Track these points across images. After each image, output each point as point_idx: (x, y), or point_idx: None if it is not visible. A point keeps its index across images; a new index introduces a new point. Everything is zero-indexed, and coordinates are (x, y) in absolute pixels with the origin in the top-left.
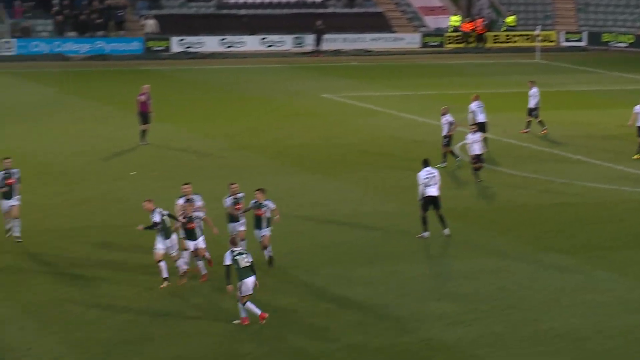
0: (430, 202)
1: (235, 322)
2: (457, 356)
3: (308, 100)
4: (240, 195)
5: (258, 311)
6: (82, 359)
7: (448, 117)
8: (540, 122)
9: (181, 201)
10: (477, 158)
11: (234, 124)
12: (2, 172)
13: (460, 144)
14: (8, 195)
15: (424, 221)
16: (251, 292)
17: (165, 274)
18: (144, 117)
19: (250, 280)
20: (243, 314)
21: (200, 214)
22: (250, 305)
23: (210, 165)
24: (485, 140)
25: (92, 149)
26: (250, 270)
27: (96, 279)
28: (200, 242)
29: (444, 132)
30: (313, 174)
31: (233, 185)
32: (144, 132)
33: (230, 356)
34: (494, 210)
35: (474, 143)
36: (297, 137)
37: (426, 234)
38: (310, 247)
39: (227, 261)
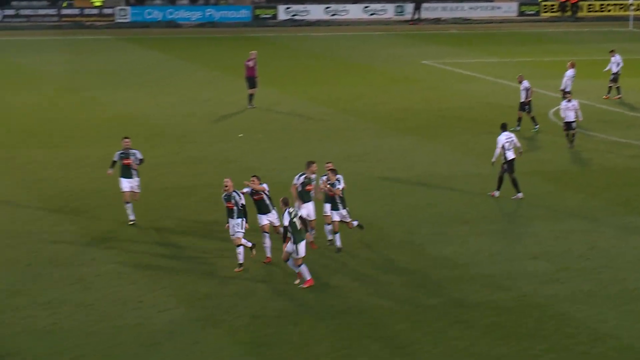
0: (508, 165)
1: (299, 283)
2: (550, 313)
3: (408, 67)
4: (313, 176)
5: (308, 276)
6: (191, 311)
7: (525, 84)
8: (617, 88)
9: (324, 178)
10: (569, 125)
11: (336, 89)
12: (119, 152)
13: (555, 109)
14: (127, 174)
15: (500, 181)
16: (304, 255)
17: (241, 260)
18: (251, 82)
19: (304, 243)
20: (308, 276)
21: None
22: (304, 268)
23: (313, 128)
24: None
25: (202, 112)
26: (304, 232)
27: (204, 237)
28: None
29: (522, 99)
30: (411, 137)
31: (313, 165)
32: (251, 96)
33: (326, 308)
34: (585, 174)
35: (567, 110)
36: (397, 101)
37: (497, 193)
38: (408, 207)
39: (286, 222)
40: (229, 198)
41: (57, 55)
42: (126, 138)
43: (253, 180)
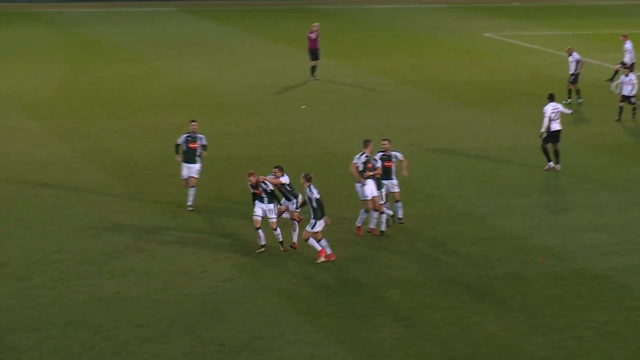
0: (554, 136)
1: (321, 260)
2: (611, 285)
3: (470, 39)
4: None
5: (318, 247)
6: (253, 281)
7: (575, 56)
8: None
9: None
10: (626, 99)
11: (398, 61)
12: (185, 135)
13: (615, 83)
14: (191, 159)
15: (546, 153)
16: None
17: (262, 242)
18: (314, 54)
19: (325, 219)
20: (329, 250)
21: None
22: (324, 242)
23: (375, 99)
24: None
25: (266, 84)
26: (323, 211)
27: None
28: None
29: (571, 71)
30: (473, 109)
31: (384, 142)
32: (313, 68)
33: (396, 280)
34: None
35: (624, 84)
36: (459, 73)
37: (551, 163)
38: (470, 178)
39: (313, 195)
40: (256, 186)
41: (124, 27)
42: (193, 121)
43: (275, 172)
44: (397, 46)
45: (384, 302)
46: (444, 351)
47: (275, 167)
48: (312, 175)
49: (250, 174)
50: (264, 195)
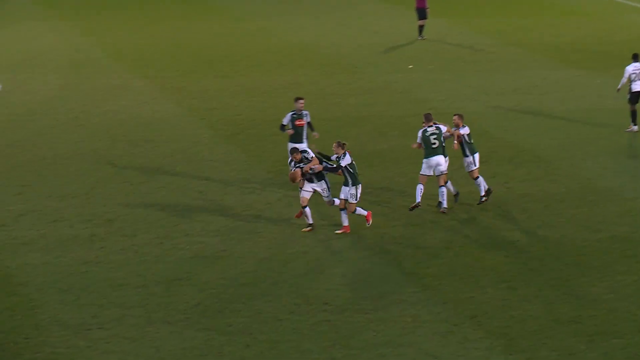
0: (632, 96)
1: (339, 231)
2: None
3: (577, 0)
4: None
5: (364, 212)
6: (357, 240)
7: None
8: None
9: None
10: None
11: (505, 21)
12: (290, 113)
13: None
14: (298, 139)
15: (633, 115)
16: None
17: (310, 220)
18: (422, 13)
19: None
20: (346, 222)
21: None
22: (360, 209)
23: (482, 59)
24: None
25: (372, 42)
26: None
27: (370, 167)
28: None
29: None
30: (580, 70)
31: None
32: (421, 27)
33: (497, 239)
34: None
35: None
36: (566, 34)
37: (635, 127)
38: (576, 140)
39: (344, 163)
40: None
41: None
42: (300, 99)
43: (333, 148)
44: (504, 6)
45: (488, 264)
46: (547, 313)
47: (338, 143)
48: (346, 143)
49: (295, 154)
50: (347, 177)
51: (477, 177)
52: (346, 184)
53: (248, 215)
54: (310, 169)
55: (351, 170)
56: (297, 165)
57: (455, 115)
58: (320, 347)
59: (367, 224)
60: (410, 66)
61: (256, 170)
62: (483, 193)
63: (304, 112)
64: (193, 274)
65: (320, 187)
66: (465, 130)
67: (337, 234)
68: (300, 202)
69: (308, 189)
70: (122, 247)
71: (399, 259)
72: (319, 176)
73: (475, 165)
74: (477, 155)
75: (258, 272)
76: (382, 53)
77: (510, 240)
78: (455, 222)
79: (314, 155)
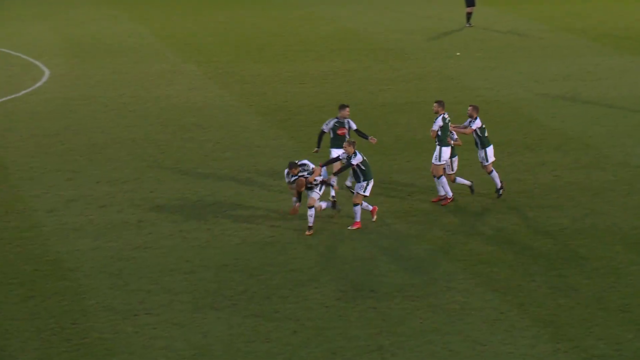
0: None
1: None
2: None
3: None
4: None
5: (370, 207)
6: (406, 227)
7: None
8: None
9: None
10: None
11: (555, 7)
12: (334, 120)
13: None
14: (339, 145)
15: None
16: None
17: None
18: (470, 0)
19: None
20: (359, 217)
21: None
22: (358, 208)
23: (531, 46)
24: None
25: (422, 29)
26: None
27: (419, 154)
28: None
29: None
30: (633, 57)
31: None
32: (469, 14)
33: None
34: None
35: None
36: (617, 20)
37: None
38: (627, 127)
39: (355, 162)
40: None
41: None
42: (346, 106)
43: (344, 146)
44: None
45: (537, 251)
46: (596, 301)
47: (345, 142)
48: (355, 141)
49: (293, 168)
50: (358, 173)
51: (491, 171)
52: (358, 180)
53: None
54: (315, 179)
55: (363, 167)
56: (300, 174)
57: (470, 106)
58: (367, 334)
59: (372, 218)
60: (458, 53)
61: (305, 156)
62: (499, 186)
63: (347, 120)
64: (241, 260)
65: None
66: (477, 124)
67: (350, 229)
68: (309, 202)
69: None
70: (171, 233)
71: (447, 246)
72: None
73: (487, 161)
74: (490, 150)
75: (306, 258)
76: (432, 39)
77: (559, 227)
78: (504, 209)
79: (314, 167)
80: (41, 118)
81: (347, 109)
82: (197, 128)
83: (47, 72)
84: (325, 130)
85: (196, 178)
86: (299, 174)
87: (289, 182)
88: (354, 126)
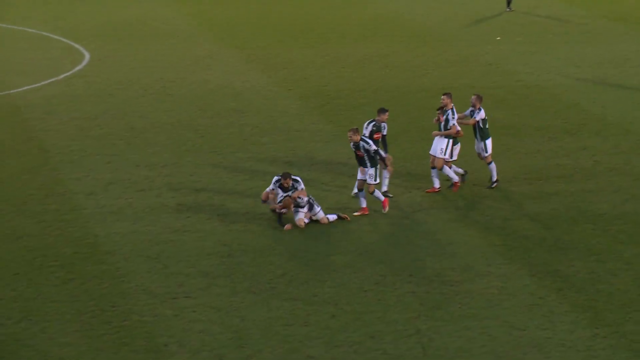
0: None
1: (357, 213)
2: None
3: None
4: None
5: (382, 197)
6: (444, 212)
7: None
8: None
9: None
10: None
11: None
12: (371, 122)
13: None
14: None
15: None
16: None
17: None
18: None
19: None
20: (365, 204)
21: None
22: (378, 193)
23: (571, 31)
24: None
25: (462, 14)
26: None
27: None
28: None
29: None
30: None
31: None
32: None
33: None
34: None
35: None
36: None
37: None
38: None
39: (374, 147)
40: (357, 147)
41: None
42: (386, 110)
43: (349, 135)
44: None
45: (576, 236)
46: (635, 287)
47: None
48: (358, 128)
49: (287, 179)
50: (365, 159)
51: (491, 162)
52: (365, 166)
53: (334, 186)
54: (299, 197)
55: (373, 155)
56: (286, 194)
57: (474, 95)
58: (405, 319)
59: (383, 210)
60: (498, 38)
61: (343, 140)
62: (494, 179)
63: (384, 125)
64: (279, 244)
65: (368, 172)
66: (481, 115)
67: (355, 215)
68: (298, 224)
69: (359, 176)
70: (209, 217)
71: (486, 231)
72: (362, 162)
73: (487, 152)
74: (489, 142)
75: (344, 242)
76: (470, 24)
77: (598, 213)
78: (542, 194)
79: (303, 187)
80: (81, 101)
81: (387, 113)
82: (236, 112)
83: (87, 56)
84: (367, 139)
85: (234, 162)
86: (287, 192)
87: (279, 195)
88: (385, 132)
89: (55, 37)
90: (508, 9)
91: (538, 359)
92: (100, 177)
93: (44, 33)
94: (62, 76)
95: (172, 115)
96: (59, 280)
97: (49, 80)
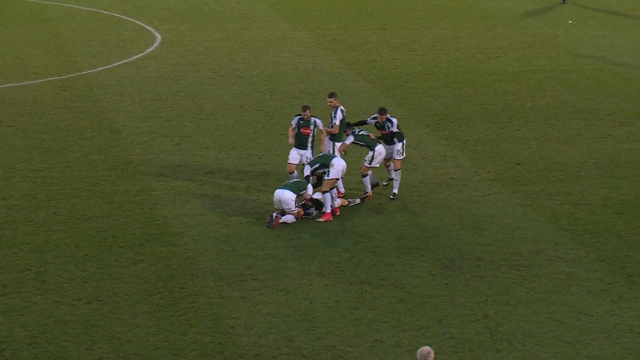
0: None
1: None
2: None
3: None
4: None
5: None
6: (514, 196)
7: None
8: None
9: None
10: None
11: None
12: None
13: None
14: (389, 140)
15: None
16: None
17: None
18: None
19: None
20: (369, 188)
21: None
22: (367, 180)
23: None
24: None
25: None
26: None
27: (528, 121)
28: None
29: None
30: None
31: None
32: None
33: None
34: None
35: None
36: None
37: None
38: None
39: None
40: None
41: None
42: (385, 111)
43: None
44: None
45: None
46: None
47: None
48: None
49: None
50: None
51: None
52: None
53: (404, 169)
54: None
55: (362, 142)
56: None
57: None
58: (473, 303)
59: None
60: (570, 21)
61: (414, 124)
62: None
63: (392, 120)
64: (348, 227)
65: (395, 148)
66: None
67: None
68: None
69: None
70: None
71: (555, 215)
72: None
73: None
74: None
75: (413, 226)
76: (542, 8)
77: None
78: (613, 180)
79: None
80: (152, 83)
81: (382, 115)
82: (306, 95)
83: (158, 38)
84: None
85: None
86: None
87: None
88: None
89: (128, 19)
90: (564, 1)
91: (606, 344)
92: (170, 159)
93: (117, 15)
94: (133, 58)
95: (242, 97)
96: (129, 262)
97: (121, 62)
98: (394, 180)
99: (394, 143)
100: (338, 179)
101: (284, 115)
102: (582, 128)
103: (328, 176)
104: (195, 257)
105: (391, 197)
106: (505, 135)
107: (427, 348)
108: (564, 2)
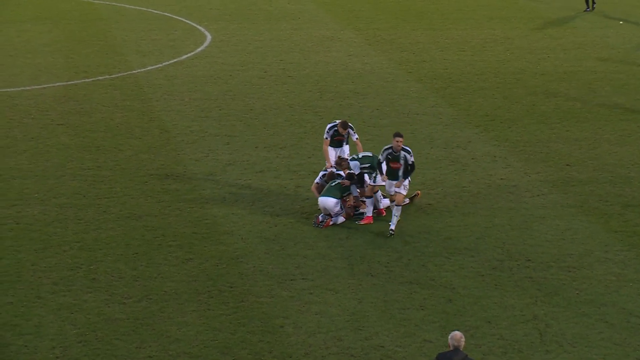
0: None
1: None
2: None
3: None
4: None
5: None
6: (564, 197)
7: None
8: None
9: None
10: None
11: None
12: (387, 150)
13: None
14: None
15: None
16: None
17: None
18: None
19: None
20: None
21: None
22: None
23: None
24: None
25: None
26: None
27: (580, 121)
28: None
29: None
30: None
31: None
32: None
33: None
34: None
35: None
36: None
37: None
38: None
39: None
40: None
41: None
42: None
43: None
44: None
45: None
46: None
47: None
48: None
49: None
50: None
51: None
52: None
53: (454, 169)
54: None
55: (366, 163)
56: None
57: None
58: (523, 304)
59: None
60: (621, 22)
61: (463, 124)
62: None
63: (404, 152)
64: (396, 227)
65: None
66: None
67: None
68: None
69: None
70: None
71: (605, 217)
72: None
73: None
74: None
75: (462, 226)
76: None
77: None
78: None
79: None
80: (201, 82)
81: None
82: (355, 95)
83: (208, 37)
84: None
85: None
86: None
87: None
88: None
89: (179, 18)
90: (587, 9)
91: None
92: (220, 158)
93: (168, 14)
94: (184, 57)
95: (292, 96)
96: (178, 260)
97: (172, 61)
98: (394, 216)
99: (397, 178)
100: (383, 185)
101: (333, 115)
102: (633, 129)
103: (374, 182)
104: (245, 256)
105: (390, 233)
106: (556, 136)
107: (458, 333)
108: (587, 10)
